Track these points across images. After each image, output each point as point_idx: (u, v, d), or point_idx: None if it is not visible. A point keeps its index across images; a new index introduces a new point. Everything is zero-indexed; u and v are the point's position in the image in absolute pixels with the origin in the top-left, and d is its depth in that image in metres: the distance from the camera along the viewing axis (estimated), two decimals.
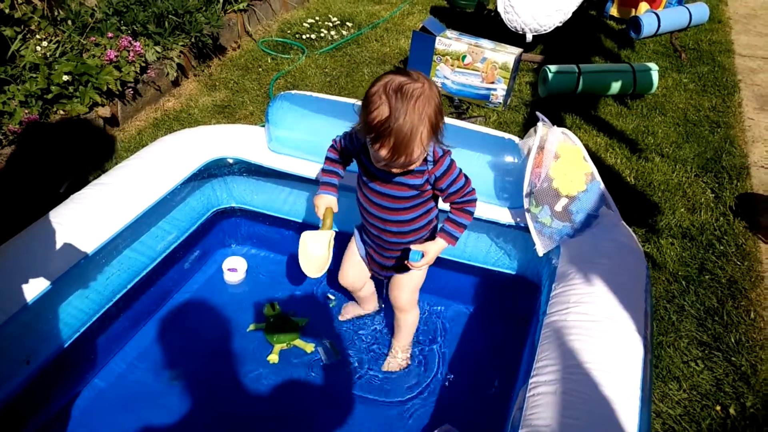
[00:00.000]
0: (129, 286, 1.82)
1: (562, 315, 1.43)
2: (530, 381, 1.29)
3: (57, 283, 1.52)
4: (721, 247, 2.30)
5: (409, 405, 1.72)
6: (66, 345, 1.62)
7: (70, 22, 3.05)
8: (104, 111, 2.78)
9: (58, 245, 1.58)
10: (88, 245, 1.63)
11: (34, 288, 1.48)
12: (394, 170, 1.40)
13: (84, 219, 1.68)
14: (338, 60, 3.80)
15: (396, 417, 1.70)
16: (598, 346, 1.33)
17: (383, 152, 1.32)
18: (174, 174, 1.93)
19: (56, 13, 3.09)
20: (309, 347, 1.88)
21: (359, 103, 2.03)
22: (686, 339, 1.93)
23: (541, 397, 1.23)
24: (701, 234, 2.37)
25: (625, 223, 1.77)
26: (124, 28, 3.17)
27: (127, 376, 1.78)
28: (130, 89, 2.94)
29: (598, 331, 1.37)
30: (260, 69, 3.62)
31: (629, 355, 1.32)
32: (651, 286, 1.59)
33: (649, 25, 3.71)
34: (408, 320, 1.78)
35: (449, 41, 3.23)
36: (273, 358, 1.84)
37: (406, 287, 1.71)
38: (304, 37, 4.08)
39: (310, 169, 1.98)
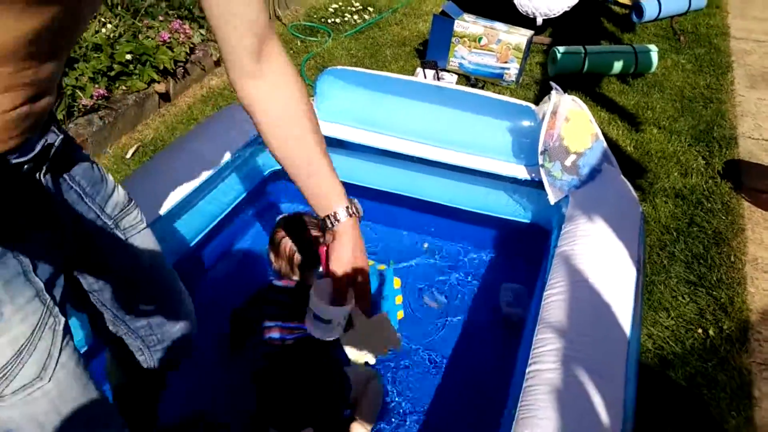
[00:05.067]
0: (203, 233, 2.16)
1: (569, 246, 1.76)
2: (544, 294, 1.63)
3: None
4: (709, 205, 2.63)
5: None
6: None
7: (122, 7, 3.38)
8: (160, 87, 3.11)
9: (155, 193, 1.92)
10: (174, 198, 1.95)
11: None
12: None
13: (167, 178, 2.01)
14: (362, 42, 4.12)
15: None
16: (600, 267, 1.66)
17: None
18: (234, 141, 2.24)
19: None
20: None
21: (397, 76, 2.36)
22: (675, 278, 2.27)
23: (554, 302, 1.56)
24: (692, 194, 2.70)
25: (623, 177, 2.09)
26: (171, 12, 3.49)
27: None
28: (181, 68, 3.27)
29: (600, 255, 1.70)
30: (291, 51, 3.94)
31: (625, 272, 1.65)
32: (644, 224, 1.91)
33: (650, 10, 4.01)
34: None
35: (467, 24, 3.54)
36: None
37: None
38: (329, 21, 4.39)
39: (356, 135, 2.28)
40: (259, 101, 1.03)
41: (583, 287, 1.60)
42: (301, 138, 1.05)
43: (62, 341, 0.85)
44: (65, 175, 0.94)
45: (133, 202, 1.12)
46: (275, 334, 1.64)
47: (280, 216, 1.87)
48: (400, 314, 2.09)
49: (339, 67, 2.43)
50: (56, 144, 0.84)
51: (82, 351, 1.52)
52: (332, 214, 1.07)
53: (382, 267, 2.23)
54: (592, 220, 1.84)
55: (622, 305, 1.56)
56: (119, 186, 1.09)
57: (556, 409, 1.26)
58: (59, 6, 0.67)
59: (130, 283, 1.14)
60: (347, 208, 1.09)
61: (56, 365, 0.83)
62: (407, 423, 1.77)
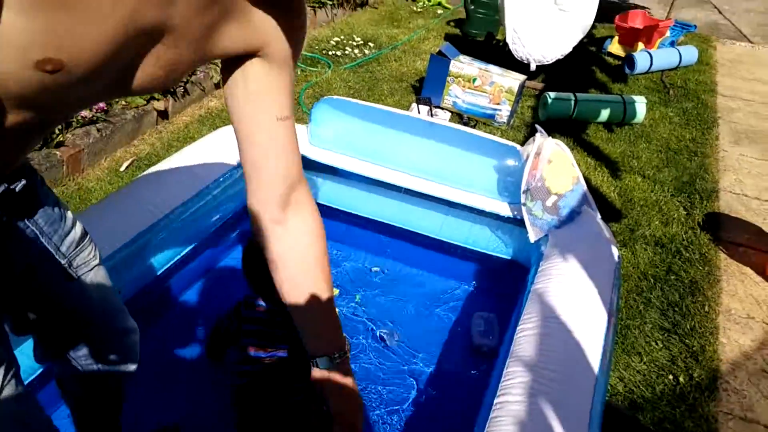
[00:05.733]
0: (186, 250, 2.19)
1: (545, 284, 1.81)
2: (518, 328, 1.67)
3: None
4: (687, 254, 2.69)
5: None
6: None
7: None
8: (159, 105, 3.17)
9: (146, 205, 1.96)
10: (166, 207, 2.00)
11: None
12: None
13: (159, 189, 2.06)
14: (360, 75, 4.22)
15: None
16: (573, 306, 1.70)
17: None
18: (225, 162, 2.29)
19: None
20: None
21: (390, 109, 2.42)
22: (650, 324, 2.31)
23: (526, 336, 1.60)
24: (671, 243, 2.76)
25: (602, 220, 2.15)
26: None
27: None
28: (181, 87, 3.34)
29: (574, 295, 1.74)
30: None
31: (597, 313, 1.70)
32: (620, 267, 1.96)
33: (642, 63, 4.14)
34: None
35: (462, 65, 3.65)
36: None
37: None
38: (330, 53, 4.50)
39: (347, 162, 2.33)
40: (280, 256, 1.03)
41: (555, 325, 1.64)
42: (313, 291, 1.05)
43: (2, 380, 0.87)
44: (24, 217, 0.98)
45: (88, 237, 1.14)
46: (253, 352, 1.66)
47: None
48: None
49: (336, 96, 2.50)
50: (17, 189, 0.89)
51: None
52: (314, 360, 1.08)
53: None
54: (568, 260, 1.89)
55: (592, 345, 1.59)
56: (77, 222, 1.12)
57: None
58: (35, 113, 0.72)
59: (75, 320, 1.16)
60: (330, 357, 1.08)
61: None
62: None
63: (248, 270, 1.66)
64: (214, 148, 2.29)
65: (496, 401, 1.43)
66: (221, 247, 2.36)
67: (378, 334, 2.09)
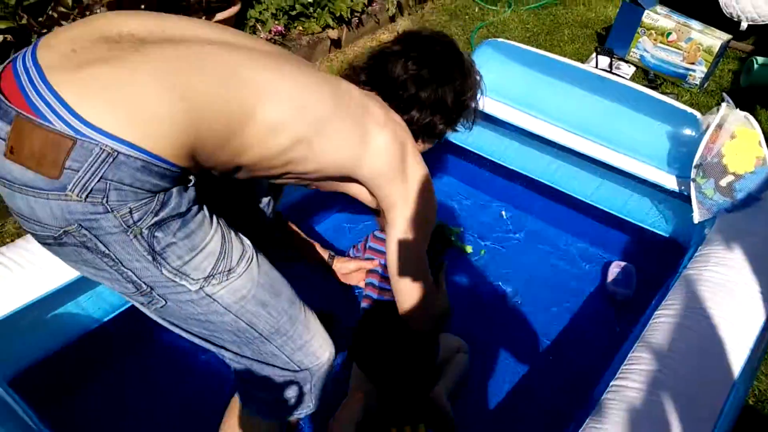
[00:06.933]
0: None
1: (698, 270, 1.63)
2: (656, 312, 1.53)
3: None
4: None
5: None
6: None
7: None
8: (333, 33, 3.26)
9: None
10: None
11: None
12: None
13: None
14: (542, 18, 3.98)
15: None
16: (725, 300, 1.52)
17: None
18: None
19: None
20: None
21: (558, 58, 2.27)
22: None
23: (662, 323, 1.47)
24: None
25: None
26: None
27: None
28: (357, 18, 3.39)
29: (729, 288, 1.56)
30: (466, 16, 3.92)
31: (752, 312, 1.50)
32: None
33: None
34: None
35: (658, 16, 3.28)
36: None
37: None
38: None
39: (504, 112, 2.23)
40: None
41: (700, 316, 1.48)
42: None
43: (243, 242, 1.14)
44: None
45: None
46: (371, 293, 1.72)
47: None
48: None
49: (501, 40, 2.39)
50: None
51: None
52: None
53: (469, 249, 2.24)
54: (732, 249, 1.69)
55: (738, 346, 1.42)
56: None
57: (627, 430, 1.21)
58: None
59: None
60: None
61: (251, 251, 1.12)
62: (489, 402, 1.77)
63: None
64: None
65: (612, 383, 1.35)
66: None
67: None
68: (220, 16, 2.69)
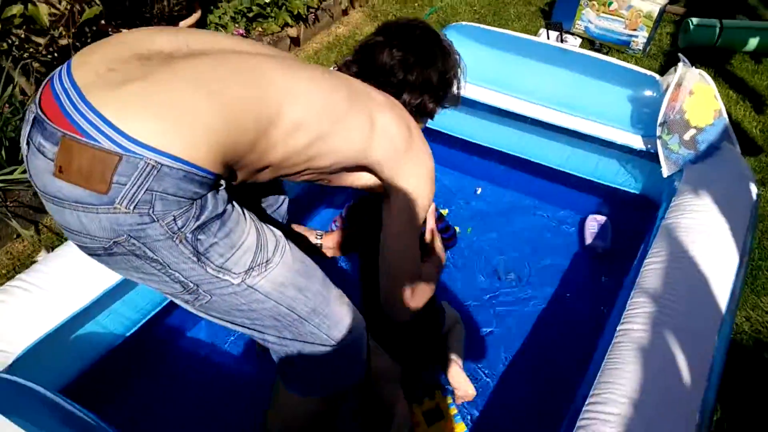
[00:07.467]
0: None
1: (676, 219, 1.78)
2: (645, 261, 1.68)
3: None
4: None
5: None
6: None
7: None
8: (292, 31, 3.31)
9: None
10: None
11: None
12: None
13: None
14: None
15: None
16: (704, 243, 1.68)
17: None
18: None
19: None
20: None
21: (520, 35, 2.38)
22: None
23: (652, 270, 1.61)
24: None
25: (743, 157, 2.05)
26: None
27: None
28: (312, 14, 3.44)
29: (705, 232, 1.72)
30: (416, 4, 4.01)
31: (728, 251, 1.67)
32: (758, 206, 1.89)
33: None
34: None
35: None
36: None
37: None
38: None
39: (475, 92, 2.32)
40: None
41: (684, 260, 1.63)
42: None
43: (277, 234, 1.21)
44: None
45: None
46: None
47: None
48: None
49: (465, 23, 2.50)
50: None
51: None
52: None
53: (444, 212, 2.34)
54: (702, 197, 1.85)
55: (721, 283, 1.58)
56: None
57: (642, 365, 1.34)
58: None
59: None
60: None
61: (283, 240, 1.19)
62: (488, 369, 1.89)
63: None
64: None
65: (619, 328, 1.48)
66: None
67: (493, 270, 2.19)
68: (183, 23, 2.71)
